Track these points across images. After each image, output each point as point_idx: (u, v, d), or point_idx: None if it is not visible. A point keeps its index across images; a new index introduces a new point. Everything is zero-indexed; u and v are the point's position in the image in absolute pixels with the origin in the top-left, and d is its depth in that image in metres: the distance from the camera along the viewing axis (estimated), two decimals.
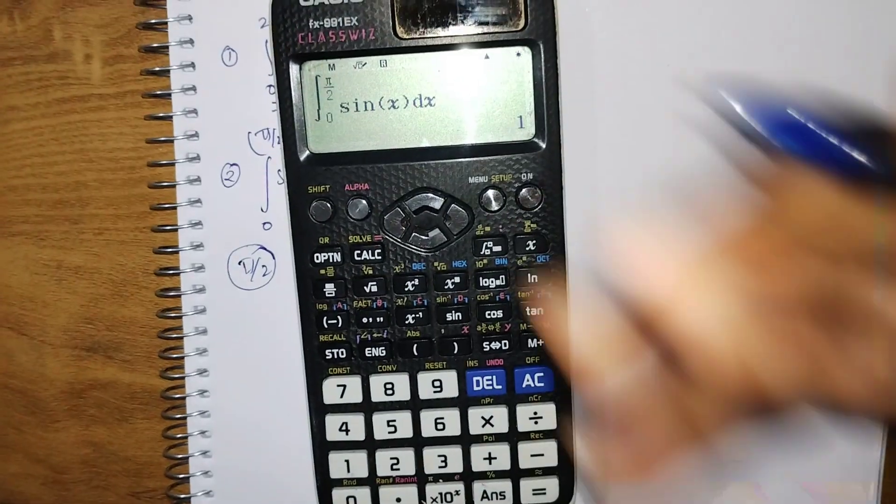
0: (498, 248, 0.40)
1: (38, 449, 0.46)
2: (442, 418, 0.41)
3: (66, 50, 0.42)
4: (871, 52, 0.40)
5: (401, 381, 0.41)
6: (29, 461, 0.46)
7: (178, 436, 0.44)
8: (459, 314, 0.40)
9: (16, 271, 0.44)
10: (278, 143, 0.40)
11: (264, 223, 0.42)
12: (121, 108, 0.42)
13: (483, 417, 0.41)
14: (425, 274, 0.40)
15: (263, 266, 0.42)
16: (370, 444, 0.41)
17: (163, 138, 0.42)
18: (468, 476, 0.42)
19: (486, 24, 0.38)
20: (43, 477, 0.46)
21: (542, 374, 0.41)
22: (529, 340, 0.40)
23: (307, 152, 0.39)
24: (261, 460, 0.43)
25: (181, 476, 0.44)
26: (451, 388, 0.41)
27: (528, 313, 0.40)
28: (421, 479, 0.42)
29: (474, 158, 0.39)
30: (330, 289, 0.40)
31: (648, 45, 0.39)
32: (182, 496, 0.44)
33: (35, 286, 0.44)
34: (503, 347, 0.40)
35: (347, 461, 0.41)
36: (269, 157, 0.41)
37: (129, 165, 0.43)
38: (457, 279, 0.40)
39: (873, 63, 0.40)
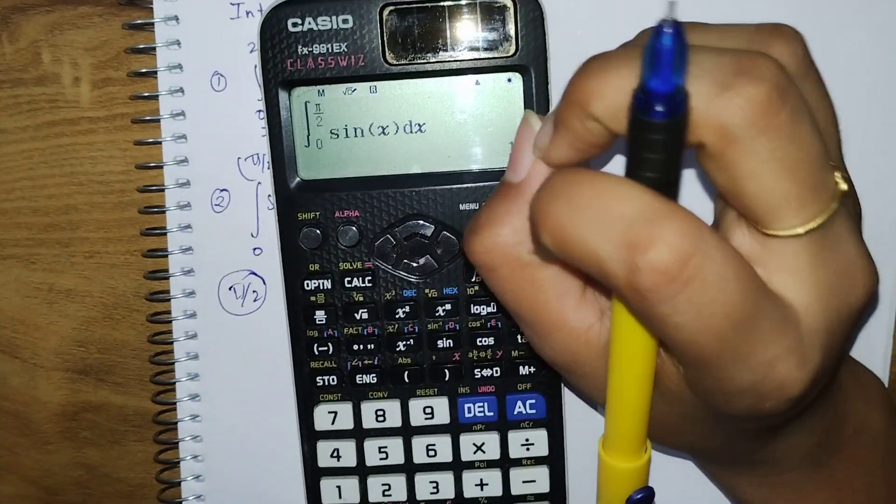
0: None
1: (31, 471, 0.46)
2: (433, 445, 0.41)
3: (54, 73, 0.42)
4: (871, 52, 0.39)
5: (392, 408, 0.41)
6: (23, 483, 0.46)
7: (171, 460, 0.44)
8: (451, 341, 0.40)
9: (7, 294, 0.44)
10: (268, 168, 0.39)
11: (255, 248, 0.41)
12: (110, 131, 0.42)
13: (475, 444, 0.41)
14: (416, 301, 0.40)
15: (254, 291, 0.42)
16: (362, 471, 0.41)
17: (152, 164, 0.41)
18: (460, 502, 0.41)
19: (477, 49, 0.38)
20: (36, 499, 0.46)
21: (533, 401, 0.40)
22: (521, 367, 0.40)
23: (297, 179, 0.39)
24: (253, 485, 0.43)
25: (174, 501, 0.44)
26: (442, 415, 0.41)
27: (520, 340, 0.40)
28: None
29: (465, 185, 0.39)
30: (320, 315, 0.40)
31: None
32: None
33: (26, 309, 0.44)
34: (495, 374, 0.40)
35: (339, 487, 0.41)
36: (259, 183, 0.41)
37: (120, 189, 0.43)
38: (448, 306, 0.40)
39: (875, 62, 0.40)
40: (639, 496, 0.33)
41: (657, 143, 0.25)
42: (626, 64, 0.26)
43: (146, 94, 0.41)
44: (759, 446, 0.34)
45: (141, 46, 0.41)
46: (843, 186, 0.28)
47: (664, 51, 0.24)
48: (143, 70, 0.41)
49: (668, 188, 0.26)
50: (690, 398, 0.30)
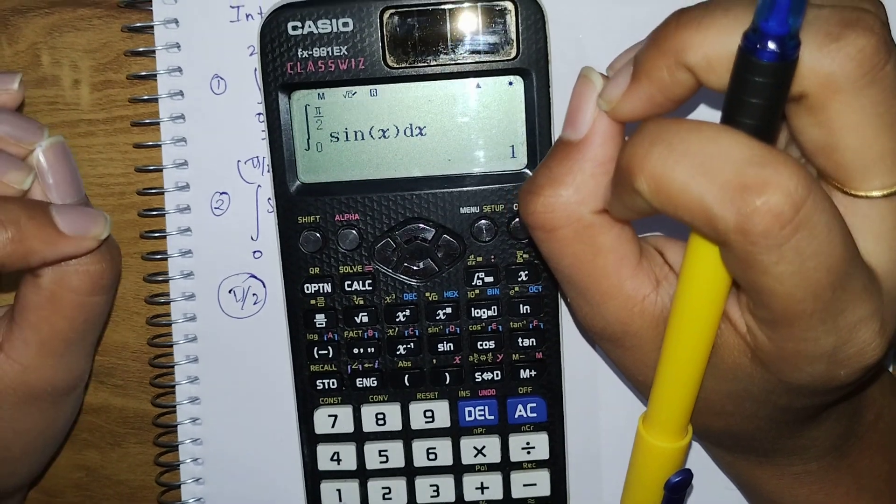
0: (490, 279, 0.39)
1: None
2: (434, 448, 0.41)
3: (54, 75, 0.42)
4: None
5: (392, 412, 0.41)
6: None
7: (171, 463, 0.44)
8: (451, 345, 0.40)
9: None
10: (268, 171, 0.39)
11: (254, 252, 0.41)
12: (110, 133, 0.42)
13: (475, 447, 0.41)
14: (417, 304, 0.39)
15: (254, 294, 0.42)
16: (362, 474, 0.41)
17: (152, 167, 0.41)
18: None
19: (478, 52, 0.37)
20: (36, 500, 0.46)
21: (534, 405, 0.40)
22: (522, 371, 0.40)
23: (297, 182, 0.39)
24: (253, 488, 0.43)
25: (174, 503, 0.44)
26: (443, 418, 0.41)
27: (521, 344, 0.40)
28: None
29: (466, 188, 0.39)
30: (320, 319, 0.40)
31: None
32: None
33: None
34: (495, 378, 0.40)
35: (339, 490, 0.41)
36: (258, 186, 0.41)
37: (119, 191, 0.42)
38: (448, 309, 0.39)
39: None
40: (677, 479, 0.32)
41: (764, 87, 0.25)
42: (726, 15, 0.26)
43: (146, 97, 0.41)
44: (792, 432, 0.34)
45: (140, 49, 0.40)
46: None
47: None
48: (143, 73, 0.41)
49: (768, 137, 0.26)
50: (746, 373, 0.30)
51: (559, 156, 0.31)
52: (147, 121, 0.41)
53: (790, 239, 0.25)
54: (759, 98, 0.25)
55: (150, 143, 0.41)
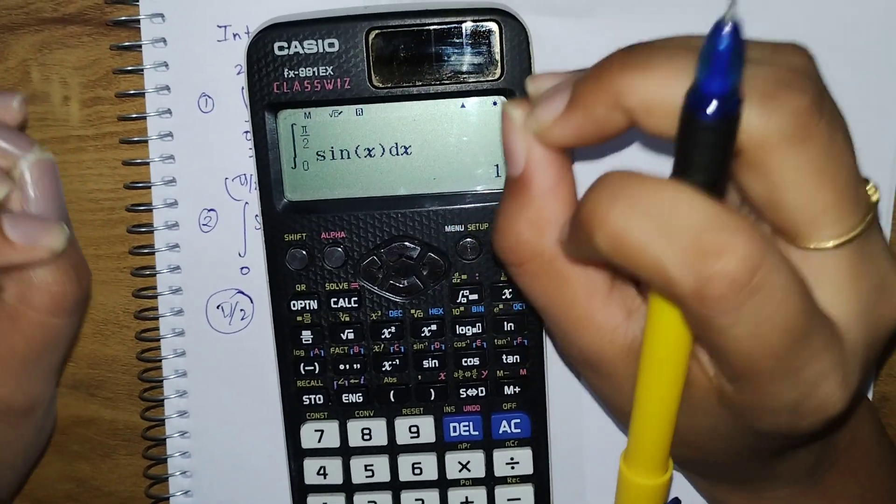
0: (475, 297, 0.40)
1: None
2: (419, 463, 0.41)
3: (44, 91, 0.42)
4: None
5: (378, 427, 0.41)
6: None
7: (160, 475, 0.44)
8: (436, 361, 0.40)
9: None
10: (255, 188, 0.40)
11: (242, 268, 0.42)
12: (100, 149, 0.42)
13: (460, 462, 0.41)
14: (402, 321, 0.40)
15: (242, 310, 0.42)
16: (348, 488, 0.42)
17: (140, 183, 0.42)
18: None
19: (463, 73, 0.38)
20: None
21: (518, 420, 0.41)
22: (506, 387, 0.40)
23: (283, 200, 0.39)
24: (241, 501, 0.44)
25: None
26: (428, 434, 0.41)
27: (505, 360, 0.40)
28: None
29: (451, 207, 0.39)
30: (307, 335, 0.40)
31: None
32: None
33: None
34: (480, 394, 0.40)
35: None
36: (246, 203, 0.41)
37: (109, 206, 0.43)
38: (434, 326, 0.40)
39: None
40: None
41: (711, 144, 0.25)
42: (670, 63, 0.27)
43: (134, 115, 0.41)
44: (763, 464, 0.35)
45: (129, 68, 0.41)
46: (875, 197, 0.28)
47: (724, 50, 0.24)
48: (132, 91, 0.41)
49: (719, 191, 0.26)
50: (718, 412, 0.30)
51: (508, 195, 0.31)
52: (136, 138, 0.41)
53: (745, 303, 0.25)
54: (707, 154, 0.25)
55: (139, 161, 0.42)
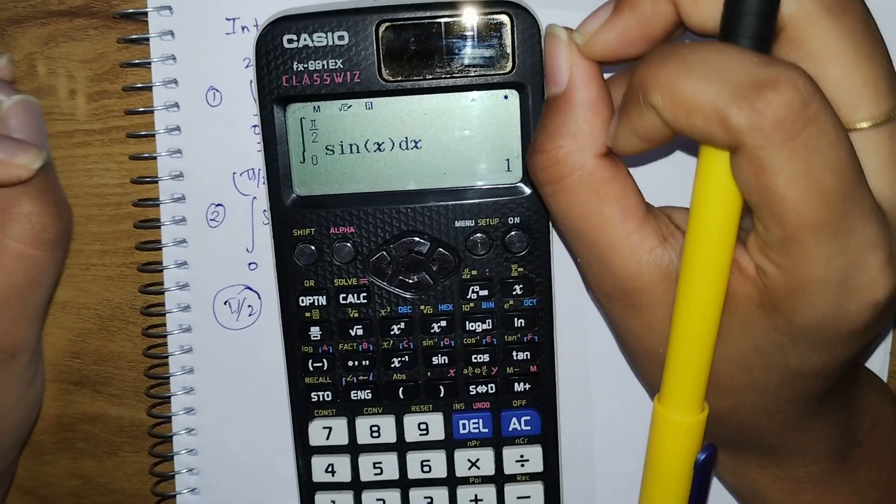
0: (485, 292, 0.39)
1: (27, 481, 0.46)
2: (428, 460, 0.41)
3: (50, 85, 0.42)
4: None
5: (387, 424, 0.41)
6: (19, 493, 0.46)
7: (166, 473, 0.44)
8: (446, 358, 0.40)
9: None
10: (263, 183, 0.39)
11: (250, 263, 0.41)
12: (106, 143, 0.42)
13: (469, 460, 0.41)
14: (411, 317, 0.40)
15: (249, 306, 0.42)
16: (356, 486, 0.41)
17: (147, 178, 0.41)
18: None
19: (474, 66, 0.37)
20: None
21: (528, 418, 0.40)
22: (516, 384, 0.40)
23: (292, 195, 0.39)
24: (248, 499, 0.43)
25: None
26: (437, 431, 0.41)
27: (515, 357, 0.40)
28: None
29: (461, 202, 0.38)
30: (315, 332, 0.40)
31: None
32: None
33: None
34: (490, 391, 0.40)
35: (334, 502, 0.41)
36: (254, 198, 0.41)
37: (115, 202, 0.42)
38: (443, 323, 0.39)
39: None
40: (705, 455, 0.32)
41: (755, 3, 0.27)
42: None
43: (142, 109, 0.41)
44: (796, 422, 0.34)
45: (136, 61, 0.40)
46: None
47: None
48: (139, 85, 0.41)
49: (766, 52, 0.27)
50: (756, 325, 0.30)
51: (550, 112, 0.33)
52: (143, 132, 0.41)
53: (801, 133, 0.25)
54: (752, 15, 0.27)
55: (146, 155, 0.41)
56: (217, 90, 0.40)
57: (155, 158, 0.41)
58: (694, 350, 0.30)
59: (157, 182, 0.41)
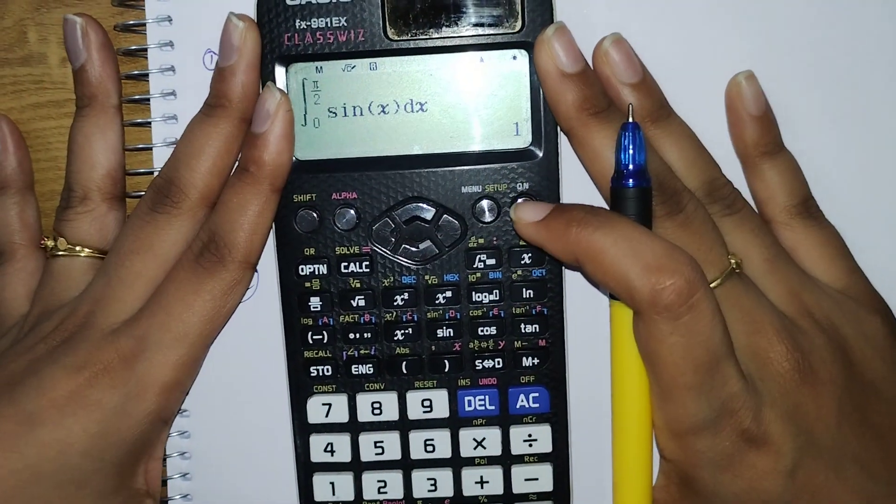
0: (492, 262, 0.38)
1: None
2: (432, 440, 0.39)
3: (41, 53, 0.40)
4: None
5: (389, 401, 0.39)
6: None
7: None
8: (451, 330, 0.38)
9: None
10: None
11: None
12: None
13: (475, 439, 0.39)
14: (415, 288, 0.38)
15: None
16: (356, 466, 0.39)
17: (141, 145, 0.40)
18: (459, 501, 0.40)
19: (482, 25, 0.36)
20: None
21: (537, 395, 0.39)
22: (524, 359, 0.38)
23: (293, 159, 0.37)
24: (243, 482, 0.41)
25: (161, 499, 0.42)
26: (441, 408, 0.39)
27: (523, 330, 0.38)
28: (409, 502, 0.40)
29: (468, 167, 0.37)
30: (315, 302, 0.38)
31: (649, 48, 0.37)
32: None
33: None
34: (497, 366, 0.39)
35: (333, 483, 0.40)
36: None
37: None
38: (448, 293, 0.38)
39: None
40: None
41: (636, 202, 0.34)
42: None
43: (136, 73, 0.39)
44: None
45: (131, 23, 0.39)
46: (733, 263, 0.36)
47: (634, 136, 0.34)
48: (133, 47, 0.39)
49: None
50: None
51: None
52: (137, 96, 0.40)
53: (684, 315, 0.32)
54: (635, 211, 0.34)
55: (140, 122, 0.40)
56: (214, 53, 0.38)
57: (149, 125, 0.40)
58: (637, 460, 0.36)
59: (150, 150, 0.40)
